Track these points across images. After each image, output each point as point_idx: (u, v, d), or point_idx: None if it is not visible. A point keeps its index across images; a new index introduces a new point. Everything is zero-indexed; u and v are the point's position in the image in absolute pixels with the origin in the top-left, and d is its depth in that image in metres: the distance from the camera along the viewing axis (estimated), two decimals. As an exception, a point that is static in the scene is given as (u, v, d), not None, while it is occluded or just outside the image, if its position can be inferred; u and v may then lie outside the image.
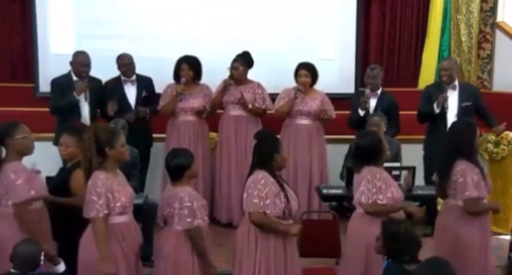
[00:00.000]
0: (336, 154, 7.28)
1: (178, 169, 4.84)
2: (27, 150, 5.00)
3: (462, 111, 7.12)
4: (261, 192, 4.84)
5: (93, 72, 7.32)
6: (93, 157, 4.64)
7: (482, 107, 7.28)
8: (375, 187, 5.00)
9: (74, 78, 7.13)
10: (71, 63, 7.14)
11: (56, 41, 8.35)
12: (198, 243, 4.80)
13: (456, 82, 7.27)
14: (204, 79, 7.48)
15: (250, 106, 7.31)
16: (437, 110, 7.09)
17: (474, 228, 5.19)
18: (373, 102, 7.27)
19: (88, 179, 4.67)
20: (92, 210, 4.60)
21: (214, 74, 7.53)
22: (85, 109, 7.15)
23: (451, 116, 7.11)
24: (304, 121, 7.26)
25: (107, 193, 4.61)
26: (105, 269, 4.56)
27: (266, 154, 4.95)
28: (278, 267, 4.91)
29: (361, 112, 7.18)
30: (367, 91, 7.26)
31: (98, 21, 8.36)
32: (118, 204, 4.65)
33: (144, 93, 7.42)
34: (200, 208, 4.78)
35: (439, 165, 5.34)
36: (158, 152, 7.49)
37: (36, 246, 4.38)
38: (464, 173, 5.12)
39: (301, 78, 7.19)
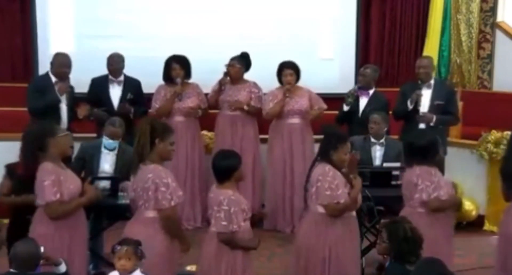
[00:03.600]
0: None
1: (227, 170, 4.81)
2: (68, 149, 5.07)
3: (433, 109, 7.14)
4: (331, 183, 4.94)
5: (93, 72, 7.32)
6: (146, 143, 4.68)
7: (450, 113, 7.24)
8: (434, 183, 5.06)
9: (53, 79, 7.02)
10: (52, 64, 7.05)
11: (56, 41, 8.34)
12: (234, 247, 4.80)
13: (432, 81, 7.28)
14: (204, 79, 7.49)
15: (245, 107, 7.31)
16: (410, 107, 7.12)
17: None
18: (363, 101, 7.30)
19: (137, 166, 4.71)
20: (165, 200, 4.64)
21: (214, 74, 7.53)
22: (63, 111, 7.05)
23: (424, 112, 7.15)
24: (296, 120, 7.29)
25: (173, 183, 4.67)
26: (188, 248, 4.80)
27: (327, 148, 5.04)
28: (346, 251, 5.04)
29: (345, 107, 7.22)
30: (355, 87, 7.28)
31: (98, 21, 8.36)
32: (180, 194, 4.72)
33: (129, 95, 7.33)
34: (237, 213, 4.75)
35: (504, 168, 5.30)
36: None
37: (35, 246, 4.37)
38: None
39: (286, 78, 7.23)
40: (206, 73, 7.48)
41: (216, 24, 8.36)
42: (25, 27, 8.61)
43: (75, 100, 7.14)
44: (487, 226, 7.65)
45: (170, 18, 8.35)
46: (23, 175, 5.04)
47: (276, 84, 7.46)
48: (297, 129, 7.33)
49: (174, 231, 4.74)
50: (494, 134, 7.57)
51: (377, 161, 6.66)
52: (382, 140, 6.72)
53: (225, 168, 4.82)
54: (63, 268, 4.61)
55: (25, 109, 7.83)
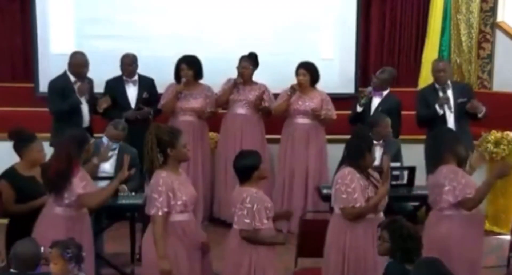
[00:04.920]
0: (336, 154, 7.27)
1: (246, 170, 4.86)
2: (91, 155, 5.25)
3: (458, 108, 7.13)
4: (348, 187, 4.94)
5: (93, 72, 7.32)
6: (155, 157, 4.68)
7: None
8: (461, 183, 4.95)
9: (72, 78, 7.12)
10: (69, 64, 7.12)
11: (56, 41, 8.36)
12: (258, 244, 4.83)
13: (449, 82, 7.29)
14: (204, 79, 7.48)
15: (265, 103, 7.34)
16: (440, 112, 7.10)
17: None
18: (376, 101, 7.28)
19: (150, 176, 4.73)
20: (152, 208, 4.64)
21: (214, 74, 7.53)
22: (85, 110, 7.18)
23: (450, 114, 7.14)
24: (302, 120, 7.28)
25: (167, 191, 4.65)
26: (164, 266, 4.61)
27: (357, 151, 5.03)
28: (367, 254, 5.00)
29: (359, 108, 7.20)
30: (369, 88, 7.27)
31: (98, 21, 8.37)
32: (179, 203, 4.69)
33: (145, 95, 7.45)
34: (260, 211, 4.78)
35: None
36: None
37: (36, 246, 4.38)
38: None
39: (299, 77, 7.23)
40: (206, 74, 7.47)
41: (216, 24, 8.36)
42: (25, 27, 8.62)
43: (93, 94, 7.25)
44: (487, 226, 7.62)
45: (170, 18, 8.35)
46: (51, 177, 5.04)
47: (276, 84, 7.46)
48: (301, 129, 7.31)
49: (154, 240, 4.66)
50: (494, 134, 7.57)
51: (377, 161, 6.64)
52: (381, 141, 6.72)
53: (246, 167, 4.86)
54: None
55: (25, 109, 7.88)
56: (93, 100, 7.23)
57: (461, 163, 5.12)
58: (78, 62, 7.10)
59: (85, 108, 7.17)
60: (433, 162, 5.17)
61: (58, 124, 7.05)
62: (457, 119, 7.16)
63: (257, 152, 5.06)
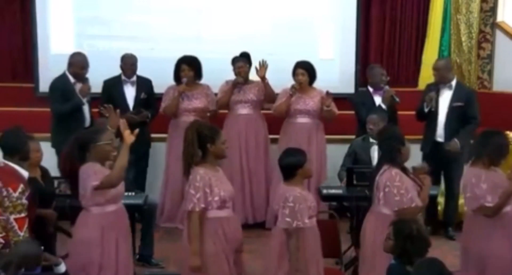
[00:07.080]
0: (336, 154, 7.29)
1: (289, 168, 4.91)
2: (108, 156, 5.01)
3: (452, 111, 7.11)
4: (400, 188, 4.95)
5: (92, 72, 7.32)
6: (195, 152, 4.72)
7: (471, 117, 7.14)
8: (482, 190, 4.94)
9: (72, 79, 7.11)
10: (70, 65, 7.12)
11: (56, 41, 8.36)
12: (290, 244, 4.84)
13: (453, 82, 7.23)
14: (204, 79, 7.48)
15: (266, 80, 7.32)
16: (425, 109, 7.12)
17: None
18: (378, 100, 7.27)
19: (189, 174, 4.76)
20: (189, 204, 4.69)
21: (214, 74, 7.54)
22: (86, 110, 7.18)
23: (442, 116, 7.15)
24: (303, 120, 7.27)
25: (204, 187, 4.69)
26: (194, 262, 4.66)
27: (393, 151, 5.07)
28: None
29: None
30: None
31: (98, 21, 8.38)
32: (216, 199, 4.72)
33: (143, 95, 7.43)
34: (302, 210, 4.82)
35: None
36: (158, 152, 7.49)
37: (36, 246, 4.38)
38: None
39: (297, 77, 7.21)
40: (206, 73, 7.47)
41: (216, 24, 8.37)
42: (25, 27, 8.62)
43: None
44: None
45: (170, 18, 8.36)
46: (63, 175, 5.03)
47: (276, 84, 7.46)
48: (303, 129, 7.29)
49: (188, 235, 4.72)
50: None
51: (376, 161, 6.64)
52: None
53: (290, 165, 4.90)
54: (62, 268, 4.61)
55: (25, 109, 7.87)
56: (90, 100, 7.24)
57: (493, 164, 5.08)
58: (79, 64, 7.10)
59: (86, 108, 7.17)
60: (469, 155, 5.16)
61: (59, 124, 7.05)
62: (448, 121, 7.13)
63: (302, 151, 5.08)
